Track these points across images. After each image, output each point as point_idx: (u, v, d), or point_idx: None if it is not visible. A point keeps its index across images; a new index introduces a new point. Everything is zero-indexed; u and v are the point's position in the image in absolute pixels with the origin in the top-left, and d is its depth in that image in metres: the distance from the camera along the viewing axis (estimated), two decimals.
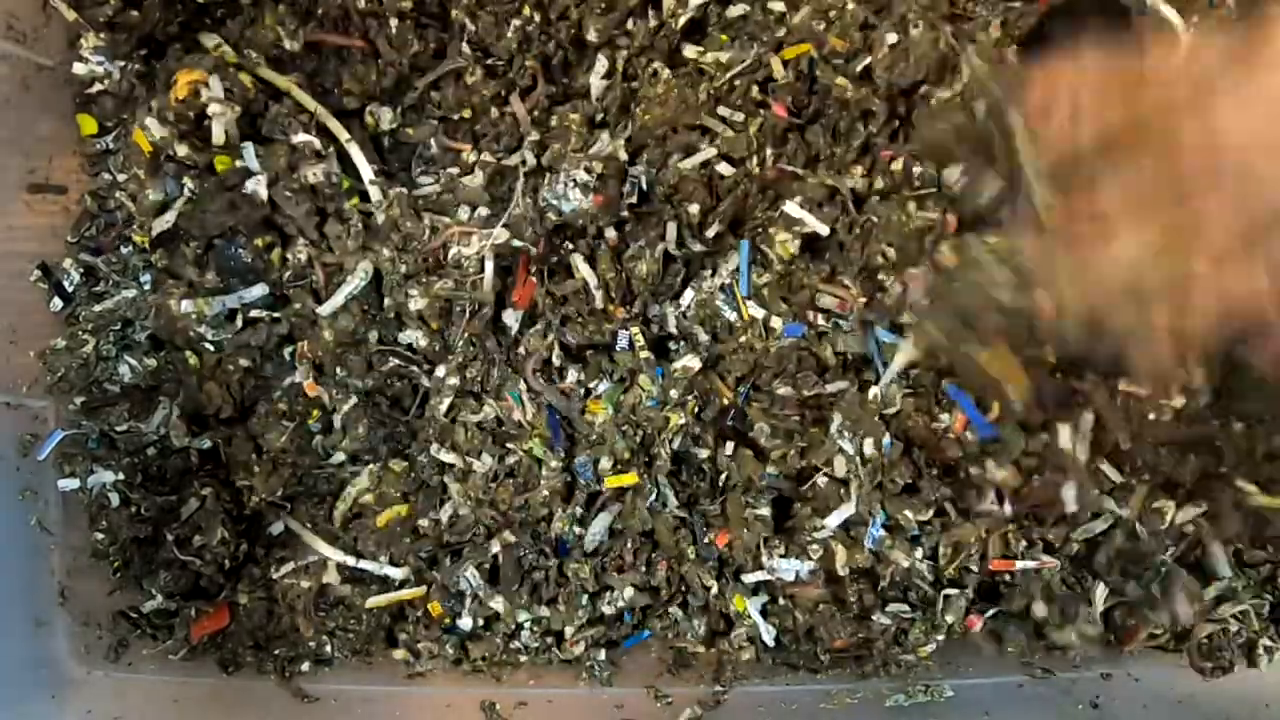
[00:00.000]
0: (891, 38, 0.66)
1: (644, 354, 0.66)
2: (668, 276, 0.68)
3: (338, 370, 0.68)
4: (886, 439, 0.64)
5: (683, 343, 0.69)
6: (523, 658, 0.67)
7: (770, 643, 0.66)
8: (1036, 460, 0.64)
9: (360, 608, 0.67)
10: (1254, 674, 0.66)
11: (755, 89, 0.69)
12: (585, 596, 0.67)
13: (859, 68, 0.68)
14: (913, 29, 0.66)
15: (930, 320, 0.60)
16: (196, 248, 0.66)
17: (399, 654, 0.67)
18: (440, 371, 0.67)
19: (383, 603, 0.67)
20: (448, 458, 0.66)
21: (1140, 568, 0.65)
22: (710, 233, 0.69)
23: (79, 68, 0.67)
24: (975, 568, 0.65)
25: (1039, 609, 0.65)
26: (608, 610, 0.67)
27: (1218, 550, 0.64)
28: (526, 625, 0.67)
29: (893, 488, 0.64)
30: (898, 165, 0.67)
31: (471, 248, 0.64)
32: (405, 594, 0.67)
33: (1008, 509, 0.65)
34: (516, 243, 0.65)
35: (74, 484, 0.67)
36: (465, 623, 0.66)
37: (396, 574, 0.67)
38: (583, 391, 0.67)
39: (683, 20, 0.69)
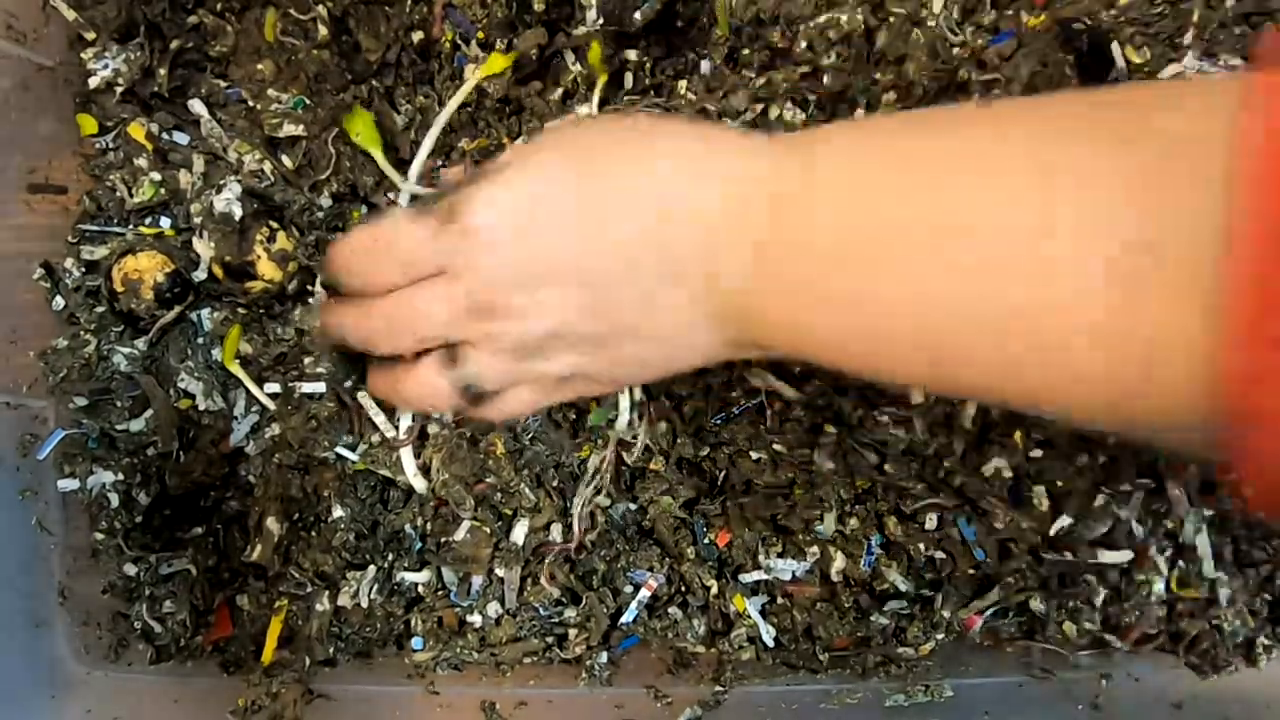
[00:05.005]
0: None
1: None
2: None
3: None
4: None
5: None
6: (528, 659, 0.67)
7: (770, 643, 0.66)
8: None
9: (377, 615, 0.66)
10: (1254, 674, 0.65)
11: None
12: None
13: None
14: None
15: None
16: None
17: (420, 656, 0.67)
18: None
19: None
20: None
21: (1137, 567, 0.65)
22: None
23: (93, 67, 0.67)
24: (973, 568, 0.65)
25: (1038, 606, 0.65)
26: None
27: (1207, 550, 0.64)
28: (529, 625, 0.67)
29: (903, 507, 0.65)
30: None
31: None
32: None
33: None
34: None
35: (74, 484, 0.67)
36: (474, 620, 0.66)
37: (419, 578, 0.67)
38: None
39: None
